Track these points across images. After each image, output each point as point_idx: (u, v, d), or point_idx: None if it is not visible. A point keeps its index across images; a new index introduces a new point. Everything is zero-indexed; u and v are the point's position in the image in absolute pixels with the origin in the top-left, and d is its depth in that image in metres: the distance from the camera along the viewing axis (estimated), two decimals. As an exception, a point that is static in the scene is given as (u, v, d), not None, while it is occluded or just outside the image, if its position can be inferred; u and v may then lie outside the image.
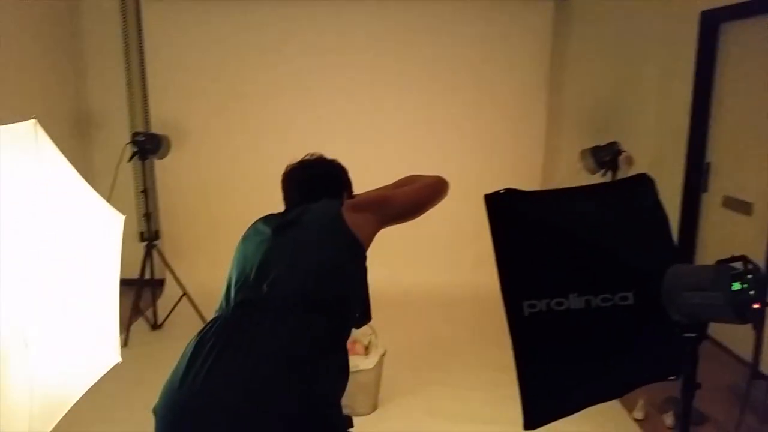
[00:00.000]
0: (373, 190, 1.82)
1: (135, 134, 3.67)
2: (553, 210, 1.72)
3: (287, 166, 1.75)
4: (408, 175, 1.92)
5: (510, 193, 1.67)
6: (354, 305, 1.56)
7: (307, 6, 4.25)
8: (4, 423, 1.59)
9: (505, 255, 1.67)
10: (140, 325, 3.78)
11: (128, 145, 3.58)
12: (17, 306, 1.59)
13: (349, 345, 2.89)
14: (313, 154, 1.78)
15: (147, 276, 3.70)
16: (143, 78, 4.28)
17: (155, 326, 3.80)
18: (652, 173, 1.76)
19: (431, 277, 4.37)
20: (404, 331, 3.70)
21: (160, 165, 4.33)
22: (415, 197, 1.73)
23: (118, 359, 1.57)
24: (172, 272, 3.81)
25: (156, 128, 4.24)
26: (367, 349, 2.86)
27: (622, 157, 3.82)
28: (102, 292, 1.52)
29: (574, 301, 1.65)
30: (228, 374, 1.27)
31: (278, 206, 1.79)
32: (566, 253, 1.67)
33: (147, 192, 3.76)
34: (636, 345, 1.67)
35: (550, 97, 4.40)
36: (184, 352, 1.36)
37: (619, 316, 1.64)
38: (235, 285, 1.45)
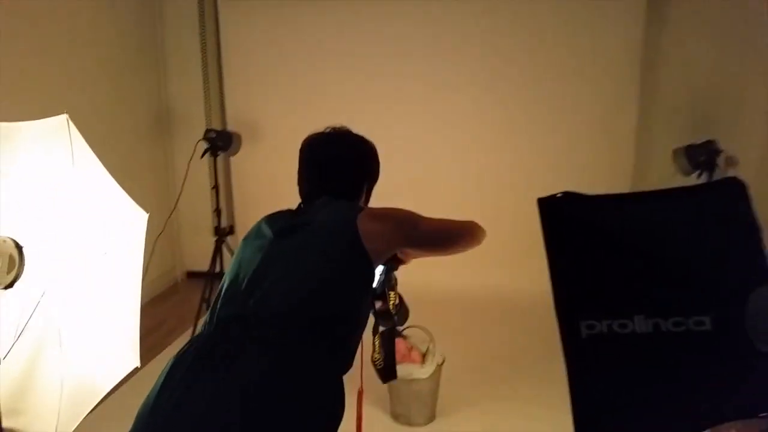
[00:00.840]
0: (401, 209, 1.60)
1: (207, 131, 3.70)
2: (619, 217, 1.50)
3: (309, 136, 1.56)
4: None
5: (568, 197, 1.47)
6: (353, 331, 1.37)
7: (386, 4, 4.14)
8: (32, 418, 1.58)
9: (561, 268, 1.47)
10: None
11: (200, 142, 3.62)
12: (52, 304, 1.58)
13: (405, 351, 2.76)
14: (339, 127, 1.58)
15: (218, 270, 3.74)
16: (220, 78, 4.33)
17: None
18: (760, 177, 1.49)
19: (497, 281, 4.11)
20: (466, 338, 3.51)
21: (235, 162, 4.39)
22: (446, 230, 1.51)
23: (137, 363, 1.51)
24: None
25: (232, 126, 4.29)
26: (424, 357, 2.71)
27: (721, 158, 3.43)
28: (124, 293, 1.48)
29: (640, 324, 1.42)
30: (194, 411, 1.12)
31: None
32: (633, 268, 1.45)
33: (218, 188, 3.78)
34: (713, 377, 1.43)
35: (642, 90, 4.04)
36: (162, 372, 1.24)
37: (693, 344, 1.40)
38: (224, 296, 1.32)
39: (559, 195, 1.47)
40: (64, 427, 1.62)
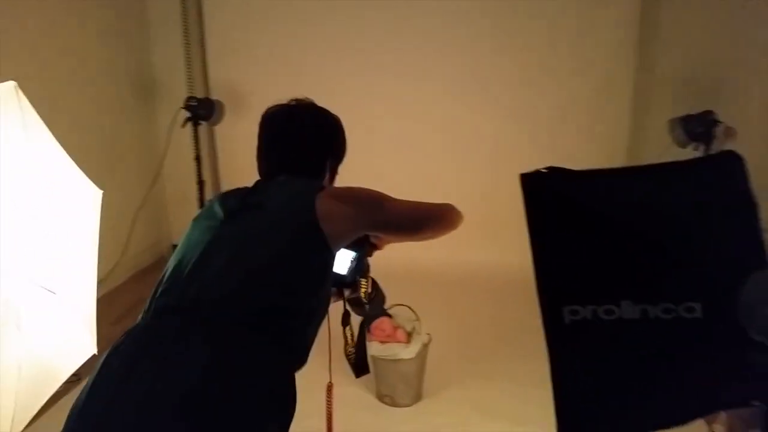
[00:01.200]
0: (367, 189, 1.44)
1: (188, 99, 3.57)
2: (608, 195, 1.39)
3: (268, 108, 1.44)
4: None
5: (553, 172, 1.36)
6: (306, 323, 1.25)
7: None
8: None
9: (543, 250, 1.37)
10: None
11: (181, 111, 3.49)
12: (8, 285, 1.49)
13: (390, 331, 2.69)
14: (303, 99, 1.45)
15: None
16: (202, 43, 4.17)
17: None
18: (758, 149, 1.39)
19: (482, 257, 3.97)
20: (451, 316, 3.43)
21: (219, 131, 4.25)
22: (416, 213, 1.38)
23: (95, 350, 1.43)
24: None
25: (215, 94, 4.14)
26: (409, 336, 2.64)
27: (719, 129, 3.33)
28: (78, 276, 1.38)
29: (628, 310, 1.33)
30: (125, 412, 1.01)
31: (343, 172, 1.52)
32: (621, 250, 1.35)
33: (200, 159, 3.66)
34: (703, 366, 1.35)
35: (639, 60, 3.90)
36: (94, 367, 1.13)
37: (683, 332, 1.32)
38: (165, 282, 1.21)
39: (543, 170, 1.37)
40: (24, 411, 1.55)
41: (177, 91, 4.18)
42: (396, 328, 2.66)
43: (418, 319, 2.64)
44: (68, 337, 1.42)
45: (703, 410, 1.41)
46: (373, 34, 4.07)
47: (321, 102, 1.50)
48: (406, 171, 4.05)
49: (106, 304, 3.74)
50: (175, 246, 1.33)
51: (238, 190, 1.37)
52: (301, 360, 1.21)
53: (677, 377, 1.36)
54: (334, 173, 1.47)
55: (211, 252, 1.20)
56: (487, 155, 4.12)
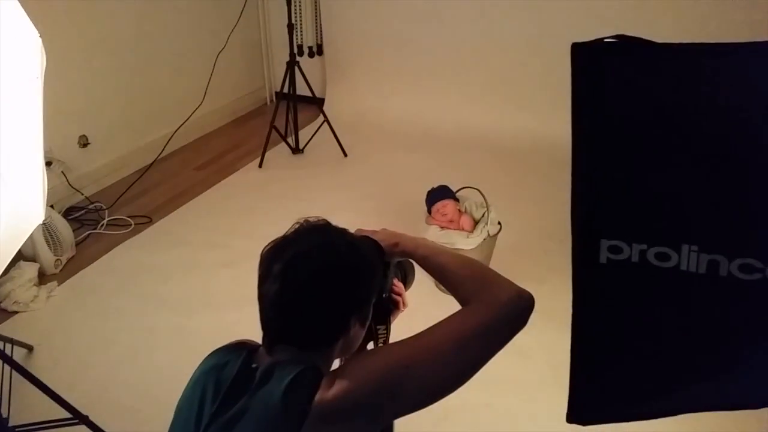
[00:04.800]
0: (377, 354, 0.99)
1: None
2: (698, 86, 0.93)
3: (266, 247, 0.99)
4: (464, 260, 1.08)
5: (623, 43, 0.92)
6: None
7: None
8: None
9: (587, 156, 0.98)
10: (282, 148, 3.63)
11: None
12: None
13: (452, 215, 2.37)
14: (310, 226, 1.02)
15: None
16: None
17: (296, 150, 3.62)
18: None
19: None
20: (527, 199, 3.02)
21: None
22: (461, 360, 0.92)
23: (42, 218, 1.28)
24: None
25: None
26: (476, 224, 2.32)
27: None
28: (21, 135, 1.20)
29: (690, 259, 0.93)
30: None
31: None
32: (697, 173, 0.92)
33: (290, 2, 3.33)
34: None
35: None
36: None
37: (766, 302, 0.90)
38: None
39: (608, 39, 0.92)
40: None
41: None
42: (461, 213, 2.35)
43: (488, 207, 2.29)
44: (17, 202, 1.27)
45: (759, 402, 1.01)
46: None
47: None
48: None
49: (194, 150, 3.80)
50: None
51: (234, 359, 0.97)
52: None
53: (744, 362, 0.97)
54: (364, 324, 1.02)
55: None
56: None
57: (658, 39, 0.91)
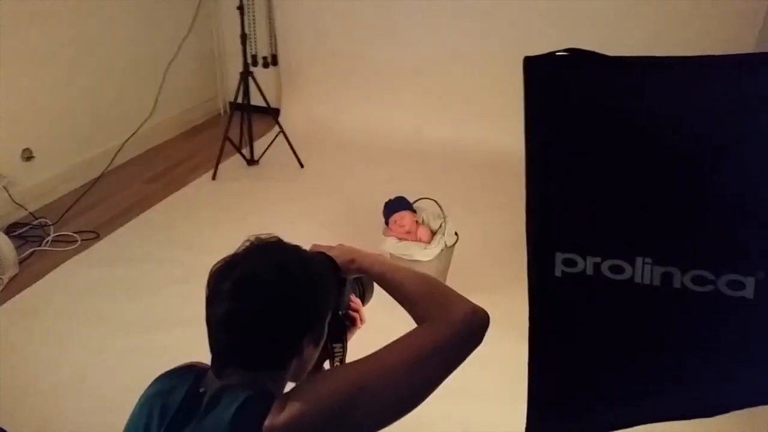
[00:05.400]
0: (329, 376, 0.96)
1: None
2: (649, 100, 0.94)
3: (213, 266, 0.95)
4: (420, 277, 1.05)
5: (576, 57, 0.92)
6: None
7: None
8: None
9: (540, 169, 0.97)
10: (237, 160, 3.57)
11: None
12: None
13: (409, 227, 2.35)
14: (267, 240, 0.99)
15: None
16: None
17: (251, 161, 3.56)
18: None
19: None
20: (476, 209, 3.02)
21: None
22: (416, 380, 0.90)
23: None
24: (267, 104, 3.45)
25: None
26: (433, 235, 2.31)
27: None
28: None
29: (644, 272, 0.94)
30: None
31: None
32: (650, 184, 0.93)
33: (243, 8, 3.27)
34: (738, 359, 0.94)
35: None
36: None
37: (718, 313, 0.91)
38: None
39: (560, 53, 0.92)
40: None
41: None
42: (418, 224, 2.34)
43: (445, 218, 2.29)
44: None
45: (731, 405, 1.02)
46: None
47: None
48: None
49: (144, 162, 3.68)
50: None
51: (180, 385, 0.93)
52: None
53: (697, 370, 0.97)
54: (317, 346, 0.99)
55: None
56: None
57: (609, 52, 0.92)
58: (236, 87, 3.40)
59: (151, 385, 0.97)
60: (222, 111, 4.41)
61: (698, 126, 0.90)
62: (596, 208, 0.96)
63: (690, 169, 0.91)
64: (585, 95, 0.95)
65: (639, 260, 0.93)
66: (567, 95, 0.95)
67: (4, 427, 1.51)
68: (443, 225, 2.29)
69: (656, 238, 0.93)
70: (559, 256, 0.98)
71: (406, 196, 2.43)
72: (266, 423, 0.83)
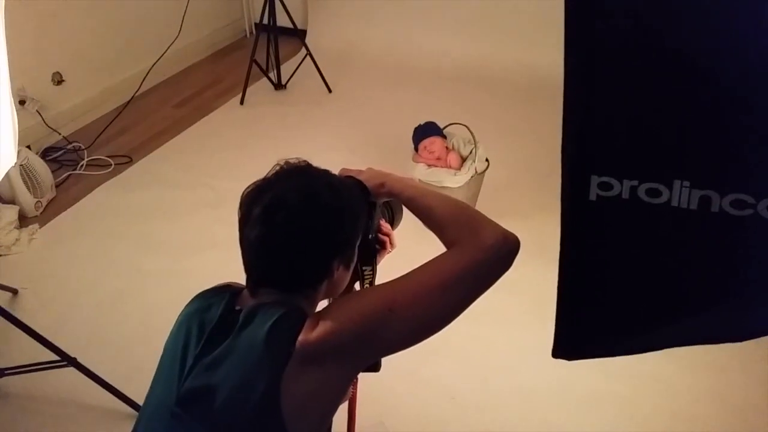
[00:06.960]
0: (361, 296, 0.98)
1: None
2: (690, 19, 0.89)
3: (247, 188, 0.97)
4: (451, 202, 1.04)
5: None
6: None
7: None
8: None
9: (579, 88, 0.94)
10: (264, 84, 3.53)
11: None
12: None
13: (439, 153, 2.33)
14: (290, 168, 0.99)
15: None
16: None
17: (278, 86, 3.52)
18: None
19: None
20: (508, 133, 2.97)
21: None
22: (445, 303, 0.91)
23: (14, 161, 1.23)
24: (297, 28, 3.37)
25: None
26: (463, 161, 2.29)
27: None
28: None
29: (681, 195, 0.91)
30: None
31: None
32: (689, 103, 0.89)
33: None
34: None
35: None
36: None
37: (758, 236, 0.89)
38: None
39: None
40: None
41: None
42: (448, 150, 2.32)
43: (476, 144, 2.26)
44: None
45: (752, 333, 1.02)
46: None
47: None
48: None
49: (172, 85, 3.68)
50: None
51: (217, 302, 0.96)
52: None
53: (732, 292, 0.96)
54: (348, 267, 1.01)
55: None
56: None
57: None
58: (262, 7, 3.34)
59: (189, 303, 1.01)
60: (248, 33, 4.34)
61: (747, 49, 0.86)
62: (635, 129, 0.93)
63: (730, 91, 0.87)
64: (627, 14, 0.90)
65: (677, 183, 0.91)
66: (608, 13, 0.91)
67: (72, 355, 1.60)
68: (474, 151, 2.26)
69: (695, 161, 0.90)
70: (595, 179, 0.96)
71: (436, 121, 2.39)
72: (300, 339, 0.86)
